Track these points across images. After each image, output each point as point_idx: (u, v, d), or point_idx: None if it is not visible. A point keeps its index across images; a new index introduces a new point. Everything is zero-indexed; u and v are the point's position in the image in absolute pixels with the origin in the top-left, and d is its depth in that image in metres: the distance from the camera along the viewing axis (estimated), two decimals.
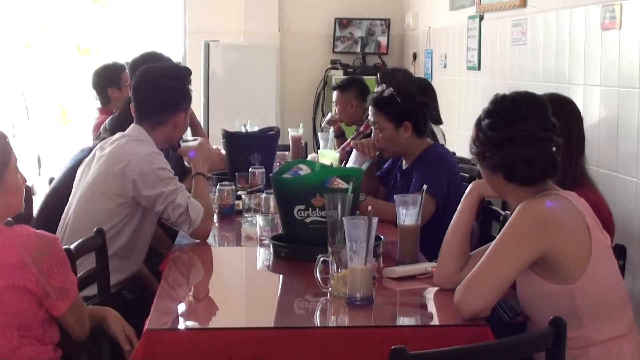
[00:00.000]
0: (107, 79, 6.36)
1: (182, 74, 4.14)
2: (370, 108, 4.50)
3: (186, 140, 4.39)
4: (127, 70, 6.27)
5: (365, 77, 6.95)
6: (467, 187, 3.20)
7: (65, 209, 4.00)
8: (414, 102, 4.45)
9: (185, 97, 4.06)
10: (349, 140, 6.27)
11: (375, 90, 4.70)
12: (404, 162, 4.50)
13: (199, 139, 4.31)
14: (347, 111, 6.38)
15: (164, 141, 4.04)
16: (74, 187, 4.03)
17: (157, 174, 3.82)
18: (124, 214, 3.85)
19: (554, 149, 2.83)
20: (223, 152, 5.37)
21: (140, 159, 3.82)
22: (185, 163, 5.29)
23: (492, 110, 2.91)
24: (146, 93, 4.04)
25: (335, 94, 6.55)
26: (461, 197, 3.21)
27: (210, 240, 3.93)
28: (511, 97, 2.91)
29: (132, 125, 4.04)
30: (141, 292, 3.95)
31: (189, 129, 5.18)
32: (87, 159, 4.08)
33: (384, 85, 4.60)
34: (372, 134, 4.50)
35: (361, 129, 6.24)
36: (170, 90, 4.01)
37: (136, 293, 3.95)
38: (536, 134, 2.82)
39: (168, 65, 4.26)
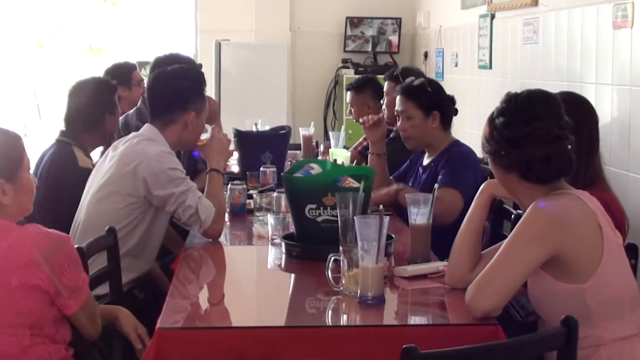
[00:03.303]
0: (117, 78, 6.35)
1: (194, 75, 4.14)
2: (398, 97, 4.53)
3: None
4: (137, 70, 6.31)
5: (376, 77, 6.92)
6: None
7: (78, 208, 4.01)
8: (442, 93, 4.49)
9: (195, 97, 4.05)
10: (360, 139, 6.26)
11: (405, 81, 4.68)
12: (425, 156, 4.51)
13: (209, 130, 4.28)
14: (363, 112, 6.33)
15: (177, 142, 4.03)
16: (87, 186, 4.04)
17: (168, 174, 3.82)
18: (135, 213, 3.86)
19: (569, 146, 2.83)
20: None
21: (151, 159, 3.82)
22: (198, 167, 5.31)
23: (505, 108, 2.89)
24: (157, 92, 4.06)
25: (349, 94, 6.51)
26: None
27: (221, 239, 3.93)
28: (525, 95, 2.90)
29: (145, 125, 4.06)
30: (152, 291, 3.96)
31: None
32: (100, 159, 4.09)
33: (413, 77, 4.64)
34: (399, 124, 4.51)
35: None
36: (181, 89, 4.02)
37: (147, 292, 3.95)
38: (553, 132, 2.81)
39: (181, 66, 4.27)
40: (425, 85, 4.49)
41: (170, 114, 3.99)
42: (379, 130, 4.72)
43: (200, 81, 4.13)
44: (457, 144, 4.48)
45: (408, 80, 4.61)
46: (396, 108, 4.54)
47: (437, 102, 4.45)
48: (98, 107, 4.60)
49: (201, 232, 3.88)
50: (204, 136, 4.18)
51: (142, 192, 3.82)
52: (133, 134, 4.08)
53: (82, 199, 4.02)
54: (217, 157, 4.13)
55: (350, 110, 6.53)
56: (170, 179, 3.82)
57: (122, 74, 6.31)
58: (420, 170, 4.52)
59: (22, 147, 2.92)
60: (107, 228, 3.61)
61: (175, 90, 4.02)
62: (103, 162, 4.03)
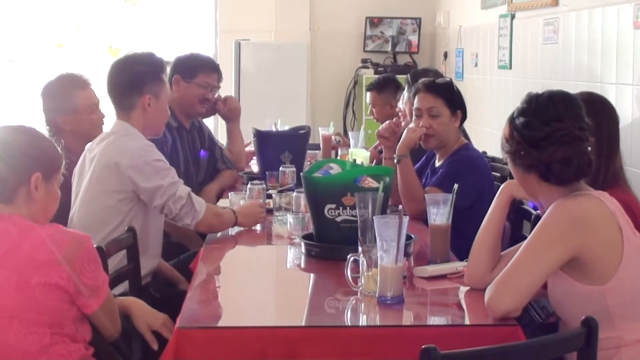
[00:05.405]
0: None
1: (148, 60, 4.14)
2: (423, 94, 4.43)
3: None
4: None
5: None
6: (497, 188, 3.20)
7: (70, 215, 3.99)
8: (461, 94, 4.48)
9: (150, 80, 4.06)
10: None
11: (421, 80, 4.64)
12: (437, 159, 4.49)
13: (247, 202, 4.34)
14: (385, 112, 6.31)
15: (147, 129, 4.05)
16: (73, 194, 4.02)
17: (152, 166, 3.84)
18: (126, 209, 3.85)
19: (589, 148, 2.82)
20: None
21: (133, 153, 3.84)
22: (218, 166, 5.32)
23: (526, 109, 2.88)
24: (114, 81, 4.07)
25: (369, 95, 6.49)
26: (491, 200, 3.20)
27: (241, 238, 3.94)
28: (546, 96, 2.89)
29: (114, 122, 4.06)
30: (168, 290, 3.96)
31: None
32: (78, 165, 4.06)
33: (430, 76, 4.65)
34: (422, 121, 4.41)
35: None
36: (133, 73, 4.04)
37: (163, 291, 3.95)
38: (573, 133, 2.79)
39: (136, 53, 4.27)
40: (451, 83, 4.50)
41: (127, 100, 4.01)
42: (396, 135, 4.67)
43: (157, 65, 4.13)
44: (466, 147, 4.45)
45: (427, 79, 4.59)
46: (418, 106, 4.43)
47: (461, 102, 4.45)
48: (49, 114, 4.47)
49: (194, 224, 3.89)
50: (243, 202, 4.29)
51: (130, 186, 3.83)
52: (105, 132, 4.09)
53: (72, 204, 4.01)
54: (246, 216, 4.13)
55: (372, 110, 6.52)
56: (155, 170, 3.83)
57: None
58: (429, 173, 4.51)
59: (61, 158, 2.96)
60: (127, 227, 3.63)
61: (130, 75, 4.04)
62: (83, 166, 4.02)
